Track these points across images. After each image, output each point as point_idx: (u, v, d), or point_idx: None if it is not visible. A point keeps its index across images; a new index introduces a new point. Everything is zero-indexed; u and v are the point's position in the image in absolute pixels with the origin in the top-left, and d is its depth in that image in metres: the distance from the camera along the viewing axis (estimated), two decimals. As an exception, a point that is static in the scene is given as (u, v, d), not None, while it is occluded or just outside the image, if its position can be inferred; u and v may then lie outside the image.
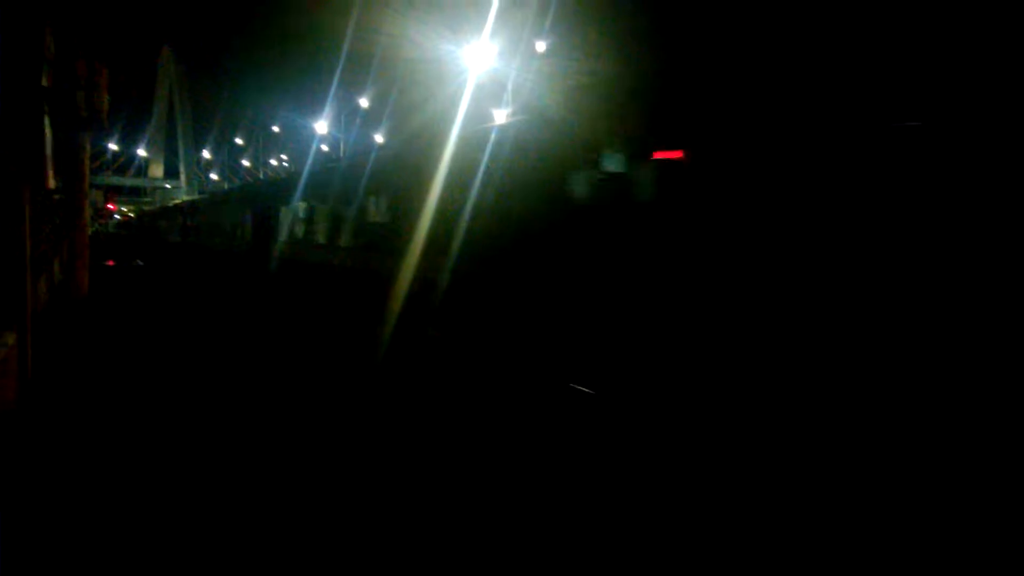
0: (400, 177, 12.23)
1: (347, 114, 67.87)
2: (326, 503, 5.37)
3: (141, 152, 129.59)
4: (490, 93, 38.12)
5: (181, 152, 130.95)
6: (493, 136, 9.66)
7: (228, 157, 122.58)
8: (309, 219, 16.76)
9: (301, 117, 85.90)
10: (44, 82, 16.49)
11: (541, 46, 39.00)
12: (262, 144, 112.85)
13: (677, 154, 6.62)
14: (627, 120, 7.72)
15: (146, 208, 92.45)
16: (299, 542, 4.69)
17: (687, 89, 6.90)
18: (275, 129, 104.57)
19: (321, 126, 65.10)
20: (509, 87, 37.52)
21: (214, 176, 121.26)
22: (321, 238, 15.94)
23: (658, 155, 6.81)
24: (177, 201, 56.43)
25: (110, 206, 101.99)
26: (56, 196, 18.46)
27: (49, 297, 15.38)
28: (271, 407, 8.14)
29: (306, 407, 8.23)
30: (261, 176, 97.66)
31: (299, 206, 17.37)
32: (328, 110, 65.96)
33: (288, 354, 11.49)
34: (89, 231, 19.22)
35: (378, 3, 55.04)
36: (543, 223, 8.56)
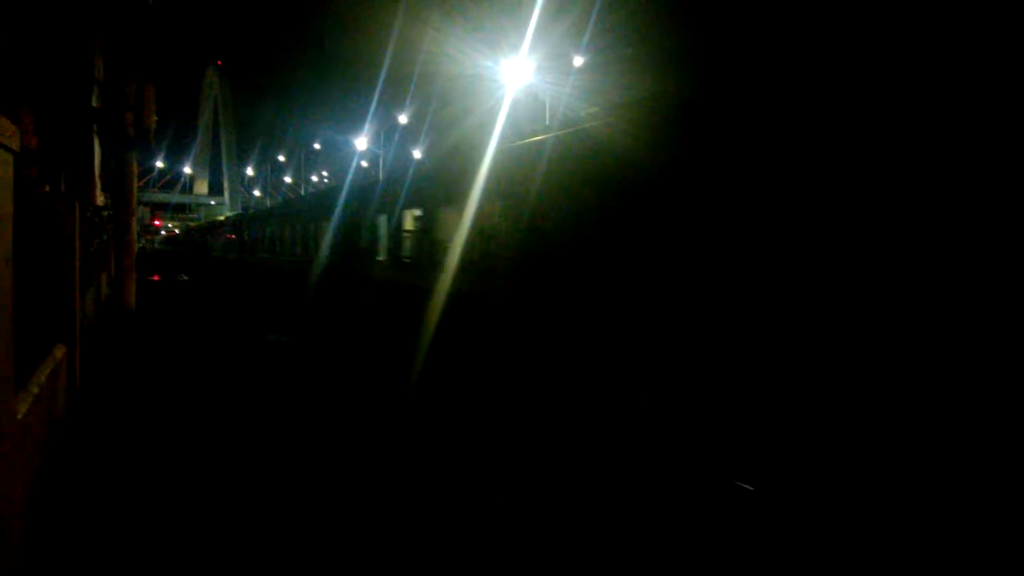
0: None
1: (386, 131, 68.77)
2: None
3: (187, 170, 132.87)
4: (527, 107, 38.33)
5: (225, 169, 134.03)
6: None
7: (270, 174, 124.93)
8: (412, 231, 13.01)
9: (342, 134, 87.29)
10: (94, 103, 17.06)
11: (578, 61, 39.15)
12: (304, 161, 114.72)
13: None
14: None
15: (191, 224, 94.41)
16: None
17: None
18: (316, 146, 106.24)
19: (361, 142, 66.02)
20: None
21: (256, 192, 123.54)
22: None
23: None
24: (222, 217, 56.95)
25: (156, 222, 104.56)
26: (105, 212, 18.97)
27: (97, 311, 15.76)
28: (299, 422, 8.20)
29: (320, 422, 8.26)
30: (303, 192, 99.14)
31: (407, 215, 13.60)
32: (368, 127, 66.96)
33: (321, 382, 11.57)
34: (136, 246, 19.68)
35: (418, 22, 55.84)
36: None
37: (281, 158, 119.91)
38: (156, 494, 5.73)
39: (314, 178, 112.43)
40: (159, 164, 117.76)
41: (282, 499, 5.67)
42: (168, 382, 10.13)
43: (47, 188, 8.95)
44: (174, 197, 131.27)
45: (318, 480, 6.17)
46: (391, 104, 64.17)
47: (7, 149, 3.67)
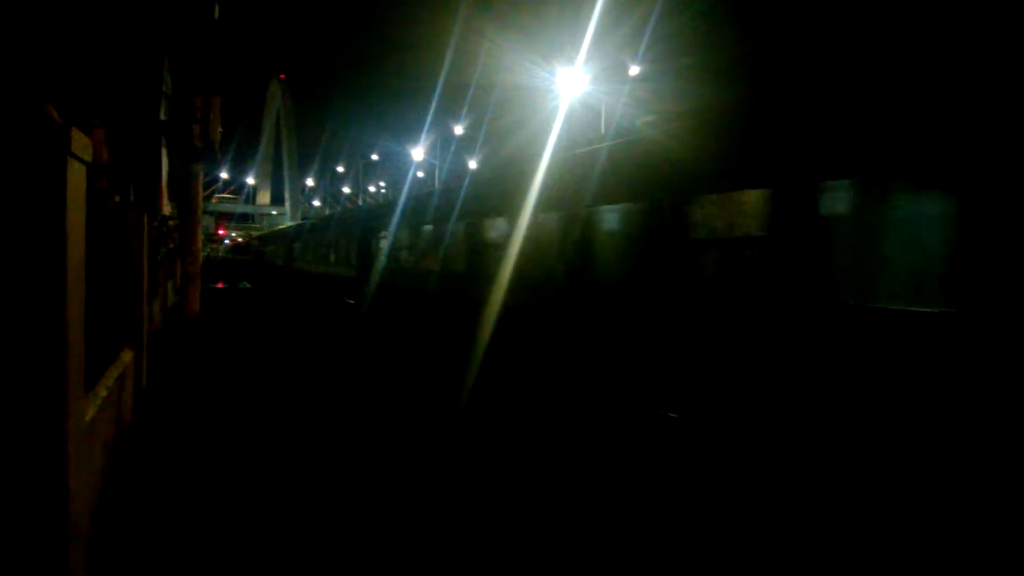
0: None
1: (443, 141, 69.32)
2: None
3: (250, 180, 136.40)
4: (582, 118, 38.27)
5: (287, 180, 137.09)
6: None
7: (330, 184, 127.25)
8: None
9: (399, 145, 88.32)
10: (162, 116, 17.66)
11: (634, 70, 38.94)
12: (362, 171, 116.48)
13: None
14: None
15: (254, 233, 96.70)
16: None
17: None
18: (374, 157, 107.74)
19: (418, 153, 66.70)
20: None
21: (316, 203, 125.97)
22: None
23: None
24: (284, 226, 57.37)
25: (221, 231, 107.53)
26: (171, 221, 19.59)
27: (163, 317, 16.26)
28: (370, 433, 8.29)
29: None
30: (360, 202, 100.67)
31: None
32: (425, 138, 67.59)
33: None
34: (201, 255, 20.23)
35: (474, 35, 56.38)
36: None
37: (340, 169, 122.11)
38: (217, 496, 5.87)
39: (371, 188, 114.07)
40: (223, 175, 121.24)
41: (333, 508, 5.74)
42: (229, 387, 10.37)
43: (117, 198, 9.29)
44: (238, 207, 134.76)
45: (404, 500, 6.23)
46: (447, 115, 64.73)
47: (80, 160, 3.80)
